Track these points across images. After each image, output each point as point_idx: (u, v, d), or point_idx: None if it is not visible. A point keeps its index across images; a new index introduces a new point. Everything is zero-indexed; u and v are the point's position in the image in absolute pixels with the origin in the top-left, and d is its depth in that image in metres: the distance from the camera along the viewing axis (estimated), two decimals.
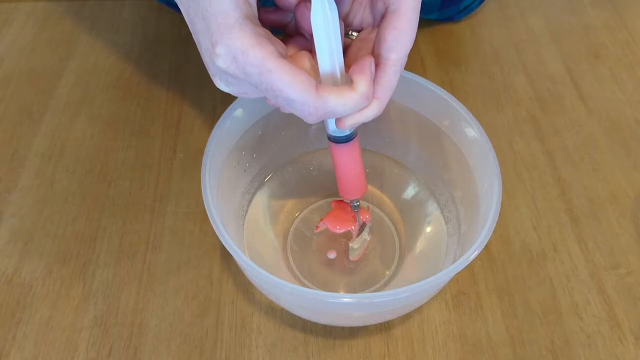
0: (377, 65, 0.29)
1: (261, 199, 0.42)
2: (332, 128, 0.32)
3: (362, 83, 0.27)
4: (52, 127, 0.49)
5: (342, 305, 0.31)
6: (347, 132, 0.33)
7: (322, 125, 0.39)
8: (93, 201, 0.44)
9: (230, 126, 0.36)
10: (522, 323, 0.38)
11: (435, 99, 0.38)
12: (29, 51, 0.56)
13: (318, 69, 0.29)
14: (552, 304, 0.39)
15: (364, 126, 0.43)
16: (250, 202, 0.41)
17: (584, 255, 0.41)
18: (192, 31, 0.29)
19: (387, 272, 0.40)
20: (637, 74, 0.54)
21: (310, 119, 0.28)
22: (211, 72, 0.29)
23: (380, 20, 0.31)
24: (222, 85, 0.29)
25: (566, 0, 0.62)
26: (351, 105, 0.27)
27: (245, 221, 0.40)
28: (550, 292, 0.40)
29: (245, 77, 0.27)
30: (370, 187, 0.44)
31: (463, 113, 0.36)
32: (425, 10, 0.57)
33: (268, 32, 0.28)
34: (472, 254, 0.30)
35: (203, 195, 0.32)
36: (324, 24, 0.27)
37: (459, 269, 0.30)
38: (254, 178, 0.42)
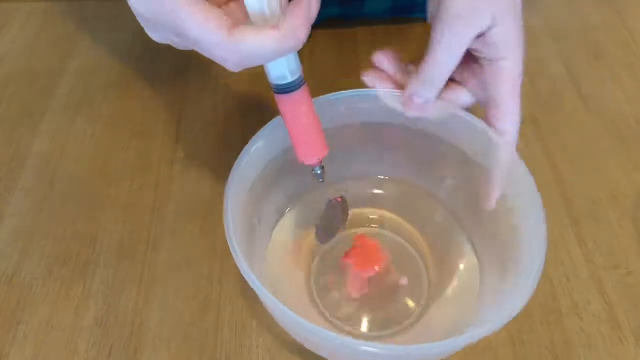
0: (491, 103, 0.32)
1: (284, 228, 0.41)
2: (273, 74, 0.29)
3: (288, 20, 0.24)
4: (52, 127, 0.49)
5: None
6: (290, 79, 0.29)
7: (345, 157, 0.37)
8: (93, 201, 0.44)
9: (250, 160, 0.35)
10: (522, 323, 0.38)
11: (477, 134, 0.36)
12: (29, 51, 0.56)
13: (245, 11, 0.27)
14: (552, 304, 0.39)
15: (401, 156, 0.41)
16: (272, 232, 0.40)
17: (584, 255, 0.41)
18: None
19: (417, 309, 0.38)
20: (637, 74, 0.54)
21: (229, 65, 0.25)
22: (139, 20, 0.28)
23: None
24: (148, 32, 0.28)
25: (566, 0, 0.62)
26: (272, 46, 0.24)
27: (267, 250, 0.39)
28: (550, 292, 0.40)
29: (159, 20, 0.25)
30: (401, 220, 0.42)
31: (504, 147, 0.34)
32: (427, 10, 0.57)
33: None
34: (513, 312, 0.28)
35: (226, 234, 0.31)
36: None
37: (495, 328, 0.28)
38: (276, 209, 0.41)
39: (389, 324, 0.37)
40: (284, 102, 0.30)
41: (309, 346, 0.33)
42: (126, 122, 0.50)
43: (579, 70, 0.54)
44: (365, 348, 0.27)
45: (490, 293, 0.35)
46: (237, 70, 0.26)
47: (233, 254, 0.31)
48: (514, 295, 0.30)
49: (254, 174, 0.37)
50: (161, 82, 0.53)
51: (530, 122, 0.50)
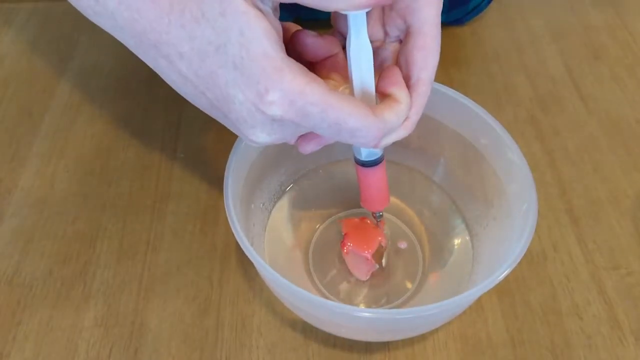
0: (408, 86, 0.29)
1: (283, 207, 0.42)
2: (365, 153, 0.32)
3: (403, 93, 0.28)
4: (52, 127, 0.49)
5: (372, 321, 0.31)
6: (378, 155, 0.33)
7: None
8: (93, 201, 0.44)
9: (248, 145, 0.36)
10: (522, 323, 0.38)
11: (472, 117, 0.38)
12: (29, 51, 0.56)
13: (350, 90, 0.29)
14: (552, 304, 0.39)
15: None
16: (271, 210, 0.41)
17: (584, 255, 0.41)
18: (202, 89, 0.27)
19: (410, 287, 0.39)
20: (637, 74, 0.54)
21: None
22: (249, 124, 0.26)
23: (396, 37, 0.31)
24: (262, 136, 0.27)
25: (566, 0, 0.62)
26: (402, 117, 0.28)
27: (266, 231, 0.40)
28: (550, 292, 0.40)
29: (301, 120, 0.25)
30: (396, 200, 0.43)
31: (501, 133, 0.36)
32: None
33: (302, 65, 0.26)
34: (501, 274, 0.30)
35: (227, 212, 0.32)
36: (359, 55, 0.28)
37: (486, 289, 0.30)
38: (275, 188, 0.42)
39: (386, 301, 0.38)
40: (365, 172, 0.34)
41: (309, 320, 0.35)
42: (126, 122, 0.50)
43: (579, 70, 0.54)
44: (364, 314, 0.30)
45: (481, 270, 0.37)
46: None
47: (234, 231, 0.31)
48: (503, 264, 0.31)
49: (254, 154, 0.38)
50: (161, 82, 0.52)
51: (530, 122, 0.50)
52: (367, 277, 0.39)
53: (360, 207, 0.42)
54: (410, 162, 0.44)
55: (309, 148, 0.31)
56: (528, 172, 0.34)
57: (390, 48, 0.31)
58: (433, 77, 0.29)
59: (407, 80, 0.29)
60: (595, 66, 0.55)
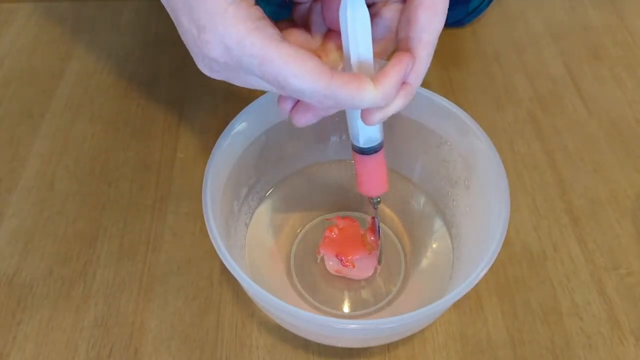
0: (407, 49, 0.26)
1: (263, 212, 0.42)
2: (362, 140, 0.31)
3: (388, 83, 0.25)
4: (52, 127, 0.49)
5: (350, 331, 0.31)
6: (376, 142, 0.31)
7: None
8: (93, 201, 0.44)
9: (232, 141, 0.36)
10: (522, 323, 0.38)
11: (440, 110, 0.37)
12: (29, 51, 0.56)
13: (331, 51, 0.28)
14: (552, 304, 0.39)
15: None
16: (252, 215, 0.41)
17: (584, 255, 0.41)
18: (164, 3, 0.26)
19: (393, 288, 0.39)
20: (637, 74, 0.54)
21: (319, 106, 0.26)
22: (194, 52, 0.26)
23: None
24: (205, 70, 0.26)
25: (566, 0, 0.62)
26: (368, 102, 0.25)
27: (247, 234, 0.40)
28: (550, 292, 0.40)
29: (239, 68, 0.24)
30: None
31: (471, 125, 0.36)
32: None
33: (261, 10, 0.24)
34: (478, 275, 0.30)
35: (205, 218, 0.31)
36: (352, 20, 0.25)
37: (464, 292, 0.29)
38: (256, 191, 0.41)
39: (369, 304, 0.38)
40: (362, 159, 0.32)
41: (291, 328, 0.35)
42: (126, 122, 0.50)
43: (579, 70, 0.54)
44: (346, 326, 0.30)
45: (461, 271, 0.36)
46: (324, 109, 0.27)
47: (212, 239, 0.31)
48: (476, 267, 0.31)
49: (234, 158, 0.37)
50: (161, 82, 0.53)
51: (530, 122, 0.50)
52: (373, 270, 0.39)
53: (337, 210, 0.42)
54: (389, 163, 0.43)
55: (303, 120, 0.28)
56: (500, 165, 0.34)
57: (394, 8, 0.29)
58: (435, 42, 0.26)
59: (407, 42, 0.26)
60: (595, 66, 0.55)
